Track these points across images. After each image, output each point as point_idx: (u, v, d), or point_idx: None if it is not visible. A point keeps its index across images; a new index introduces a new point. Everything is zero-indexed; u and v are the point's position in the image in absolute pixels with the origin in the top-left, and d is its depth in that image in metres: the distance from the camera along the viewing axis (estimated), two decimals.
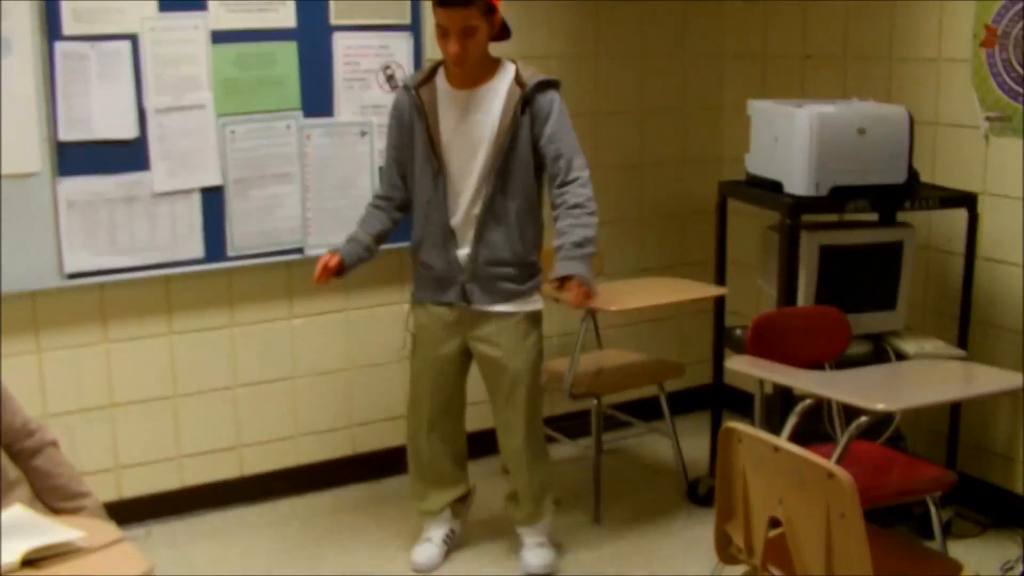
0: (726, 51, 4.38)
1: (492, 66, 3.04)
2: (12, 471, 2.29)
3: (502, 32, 3.03)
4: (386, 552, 3.41)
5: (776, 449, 2.14)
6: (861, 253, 3.40)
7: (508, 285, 3.09)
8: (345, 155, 3.66)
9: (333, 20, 3.58)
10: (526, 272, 3.12)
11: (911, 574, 2.38)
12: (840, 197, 3.27)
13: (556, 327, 3.99)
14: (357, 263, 3.16)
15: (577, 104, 3.91)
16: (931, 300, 3.67)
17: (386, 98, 3.62)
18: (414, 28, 3.71)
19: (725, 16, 4.36)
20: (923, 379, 2.82)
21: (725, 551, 2.35)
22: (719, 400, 3.81)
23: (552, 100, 3.01)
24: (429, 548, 3.34)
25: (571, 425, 3.94)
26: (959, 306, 3.40)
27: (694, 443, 3.93)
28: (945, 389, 2.75)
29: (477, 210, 3.04)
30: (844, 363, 3.05)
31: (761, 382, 3.34)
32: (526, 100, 2.99)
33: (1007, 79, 3.36)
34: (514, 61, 3.07)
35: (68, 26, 3.20)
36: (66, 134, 3.24)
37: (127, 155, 3.34)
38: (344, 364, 3.82)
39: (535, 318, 3.16)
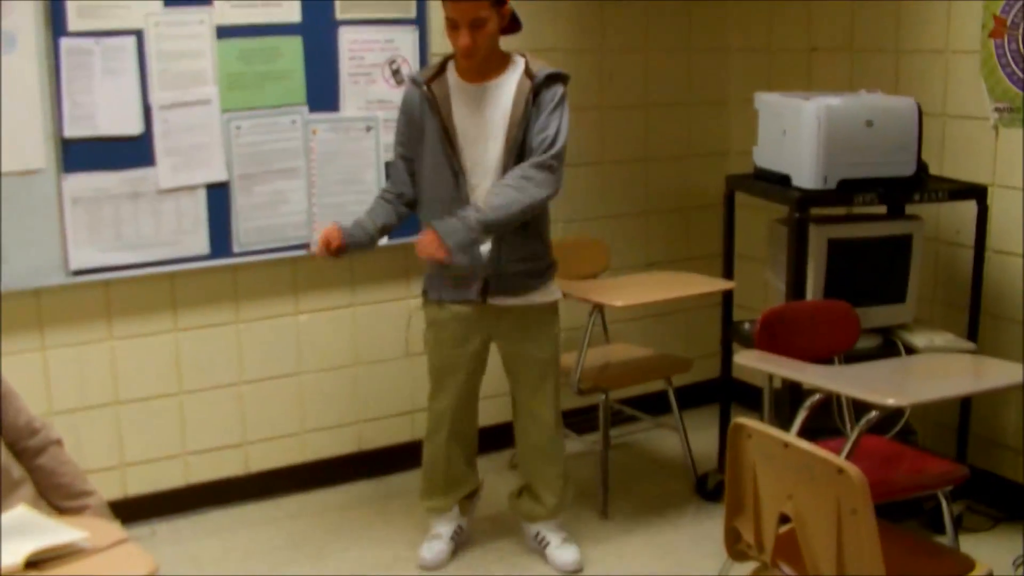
0: (731, 44, 4.36)
1: (503, 59, 3.03)
2: (16, 470, 2.27)
3: (512, 25, 3.02)
4: (393, 549, 3.40)
5: (786, 445, 2.12)
6: (870, 246, 3.38)
7: (527, 279, 3.09)
8: (350, 150, 3.65)
9: (338, 14, 3.56)
10: (542, 263, 3.13)
11: (923, 571, 2.36)
12: (848, 190, 3.24)
13: (563, 322, 3.94)
14: (356, 248, 3.12)
15: (583, 98, 3.91)
16: (940, 293, 3.64)
17: (392, 93, 3.61)
18: (419, 22, 3.69)
19: (730, 9, 4.34)
20: (933, 373, 2.80)
21: (734, 547, 2.33)
22: (727, 394, 3.79)
23: (556, 93, 2.99)
24: (437, 545, 3.33)
25: (578, 420, 3.92)
26: (969, 298, 3.38)
27: (703, 437, 3.91)
28: (955, 383, 2.72)
29: None
30: (853, 357, 3.03)
31: (770, 376, 3.33)
32: (535, 92, 2.97)
33: (1016, 70, 3.33)
34: (523, 54, 3.05)
35: (73, 22, 3.19)
36: (71, 130, 3.23)
37: (132, 151, 3.32)
38: (350, 360, 3.81)
39: (555, 308, 3.17)
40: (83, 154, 3.25)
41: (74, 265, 3.30)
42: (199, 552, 3.40)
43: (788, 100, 3.35)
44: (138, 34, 3.27)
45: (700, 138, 4.38)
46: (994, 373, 2.76)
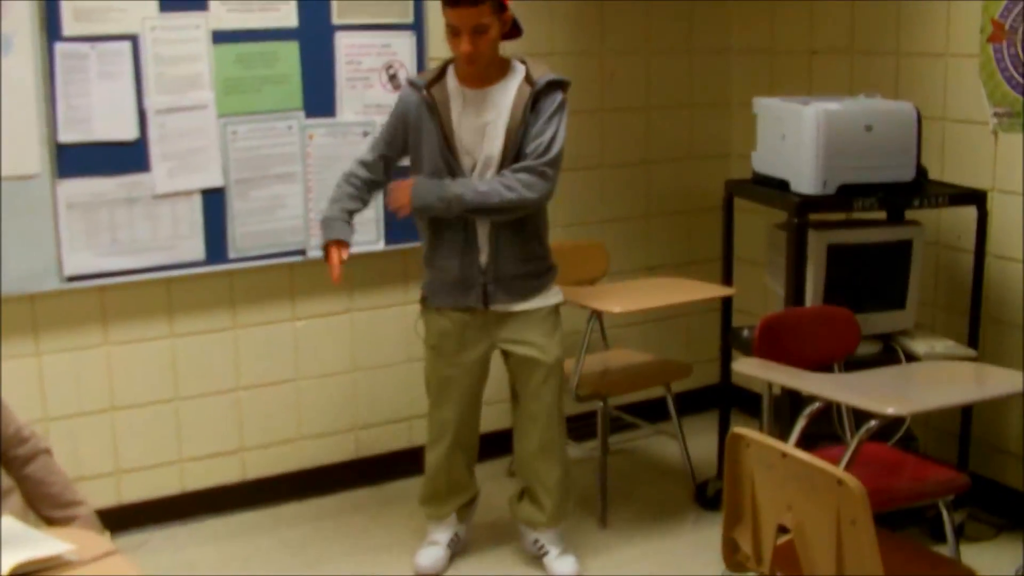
0: (733, 47, 4.34)
1: (503, 65, 3.01)
2: (5, 480, 2.25)
3: (513, 30, 3.00)
4: (390, 556, 3.38)
5: (784, 455, 2.10)
6: (870, 252, 3.36)
7: (528, 282, 3.08)
8: (347, 155, 3.59)
9: (335, 19, 3.55)
10: (542, 266, 3.12)
11: None
12: (848, 195, 3.22)
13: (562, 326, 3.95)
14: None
15: (582, 101, 3.89)
16: (941, 298, 3.62)
17: (389, 97, 3.58)
18: (417, 27, 3.67)
19: (731, 12, 4.32)
20: (933, 381, 2.77)
21: (733, 558, 2.31)
22: (727, 400, 3.77)
23: (554, 100, 2.97)
24: (434, 552, 3.31)
25: (577, 427, 3.89)
26: (969, 304, 3.36)
27: (702, 444, 3.89)
28: (955, 391, 2.70)
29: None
30: (853, 364, 3.01)
31: (769, 383, 3.30)
32: (535, 98, 2.96)
33: (1015, 74, 3.31)
34: (525, 60, 3.03)
35: (68, 26, 3.18)
36: (66, 135, 3.21)
37: (128, 156, 3.31)
38: (347, 366, 3.79)
39: (558, 310, 3.16)
40: (78, 159, 3.24)
41: (69, 270, 3.28)
42: (196, 560, 3.38)
43: (787, 105, 3.33)
44: (134, 39, 3.26)
45: (701, 141, 4.36)
46: (995, 381, 2.74)
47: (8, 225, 3.16)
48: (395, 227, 3.68)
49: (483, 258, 3.03)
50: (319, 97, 3.55)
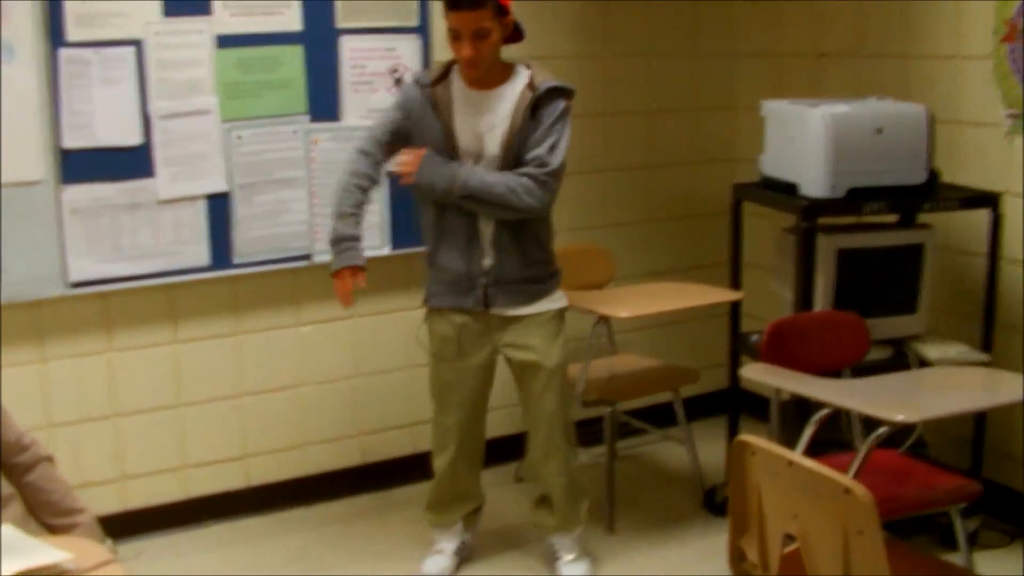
0: (738, 49, 4.31)
1: (506, 69, 2.99)
2: (6, 488, 2.24)
3: (515, 34, 2.98)
4: (394, 563, 3.36)
5: (790, 463, 2.07)
6: (880, 256, 3.32)
7: (530, 286, 3.06)
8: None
9: (339, 23, 3.53)
10: (545, 271, 3.09)
11: None
12: (857, 199, 3.19)
13: (568, 332, 3.90)
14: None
15: (586, 104, 3.85)
16: (953, 303, 3.57)
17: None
18: (422, 30, 3.65)
19: (737, 13, 4.28)
20: (944, 387, 2.73)
21: (739, 567, 2.27)
22: (736, 406, 3.73)
23: (556, 108, 2.95)
24: (440, 560, 3.29)
25: (584, 432, 3.85)
26: (982, 309, 3.31)
27: (710, 450, 3.85)
28: (967, 398, 2.66)
29: (491, 218, 2.99)
30: (864, 369, 2.98)
31: (777, 389, 3.27)
32: (536, 104, 2.93)
33: None
34: (529, 65, 3.01)
35: (71, 32, 3.16)
36: (69, 141, 3.20)
37: (131, 161, 3.29)
38: (352, 372, 3.77)
39: (562, 315, 3.13)
40: (82, 165, 3.22)
41: (73, 276, 3.27)
42: (199, 566, 3.36)
43: (795, 107, 3.30)
44: (137, 44, 3.24)
45: (707, 144, 4.32)
46: (1008, 387, 2.69)
47: (12, 231, 3.15)
48: (401, 232, 3.66)
49: (486, 260, 3.01)
50: (323, 101, 3.53)
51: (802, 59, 4.05)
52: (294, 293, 3.64)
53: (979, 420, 3.33)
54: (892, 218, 3.42)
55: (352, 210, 2.98)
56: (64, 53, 3.16)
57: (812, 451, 2.66)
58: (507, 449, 3.79)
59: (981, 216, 3.31)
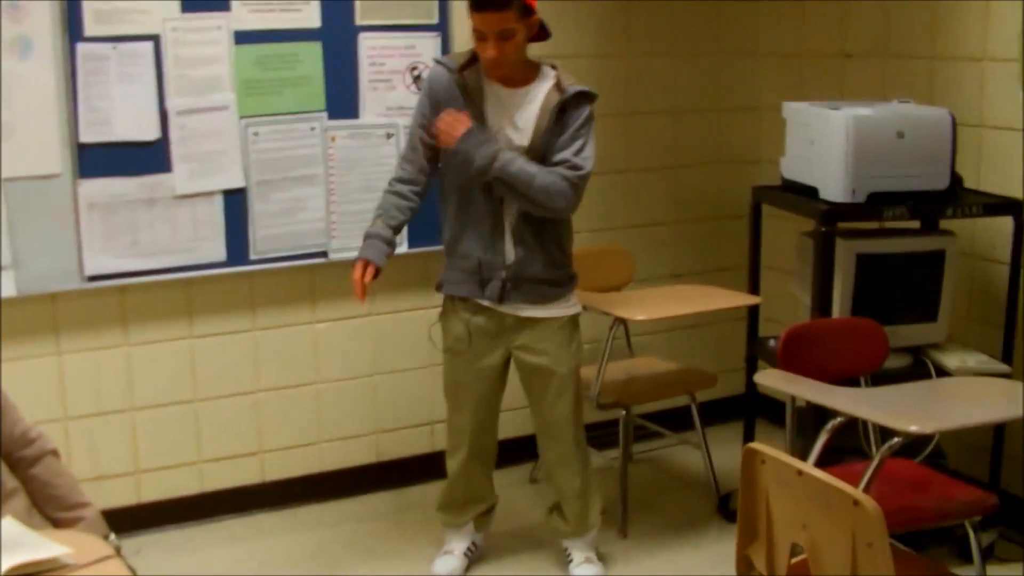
0: (761, 49, 4.26)
1: (532, 68, 2.98)
2: (10, 481, 2.25)
3: (541, 33, 2.96)
4: (407, 562, 3.35)
5: (800, 473, 2.04)
6: (900, 262, 3.27)
7: (548, 288, 3.04)
8: (370, 157, 3.60)
9: (358, 20, 3.52)
10: (563, 274, 3.07)
11: None
12: (878, 203, 3.14)
13: (586, 334, 3.87)
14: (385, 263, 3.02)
15: (608, 104, 3.82)
16: (974, 311, 3.52)
17: (412, 99, 3.54)
18: (441, 28, 3.64)
19: (760, 13, 4.24)
20: (962, 398, 2.68)
21: None
22: (752, 411, 3.70)
23: (582, 114, 2.93)
24: (450, 560, 3.28)
25: (599, 435, 3.84)
26: (1004, 318, 3.25)
27: (726, 455, 3.81)
28: (985, 409, 2.61)
29: (514, 210, 2.98)
30: (882, 377, 2.93)
31: (793, 396, 3.23)
32: (563, 107, 2.91)
33: None
34: (555, 65, 3.00)
35: (89, 27, 3.18)
36: (87, 135, 3.22)
37: (148, 157, 3.30)
38: (369, 369, 3.77)
39: (576, 321, 3.11)
40: (99, 159, 3.24)
41: (90, 270, 3.28)
42: (213, 560, 3.37)
43: (816, 109, 3.26)
44: (155, 39, 3.25)
45: (729, 145, 4.28)
46: None
47: (29, 225, 3.17)
48: (418, 230, 3.65)
49: (509, 254, 2.99)
50: (342, 99, 3.52)
51: (826, 59, 4.00)
52: (311, 290, 3.64)
53: (998, 430, 3.28)
54: (914, 224, 3.36)
55: (380, 212, 3.03)
56: (82, 48, 3.17)
57: (828, 458, 2.63)
58: (521, 450, 3.77)
59: (1005, 223, 3.25)
